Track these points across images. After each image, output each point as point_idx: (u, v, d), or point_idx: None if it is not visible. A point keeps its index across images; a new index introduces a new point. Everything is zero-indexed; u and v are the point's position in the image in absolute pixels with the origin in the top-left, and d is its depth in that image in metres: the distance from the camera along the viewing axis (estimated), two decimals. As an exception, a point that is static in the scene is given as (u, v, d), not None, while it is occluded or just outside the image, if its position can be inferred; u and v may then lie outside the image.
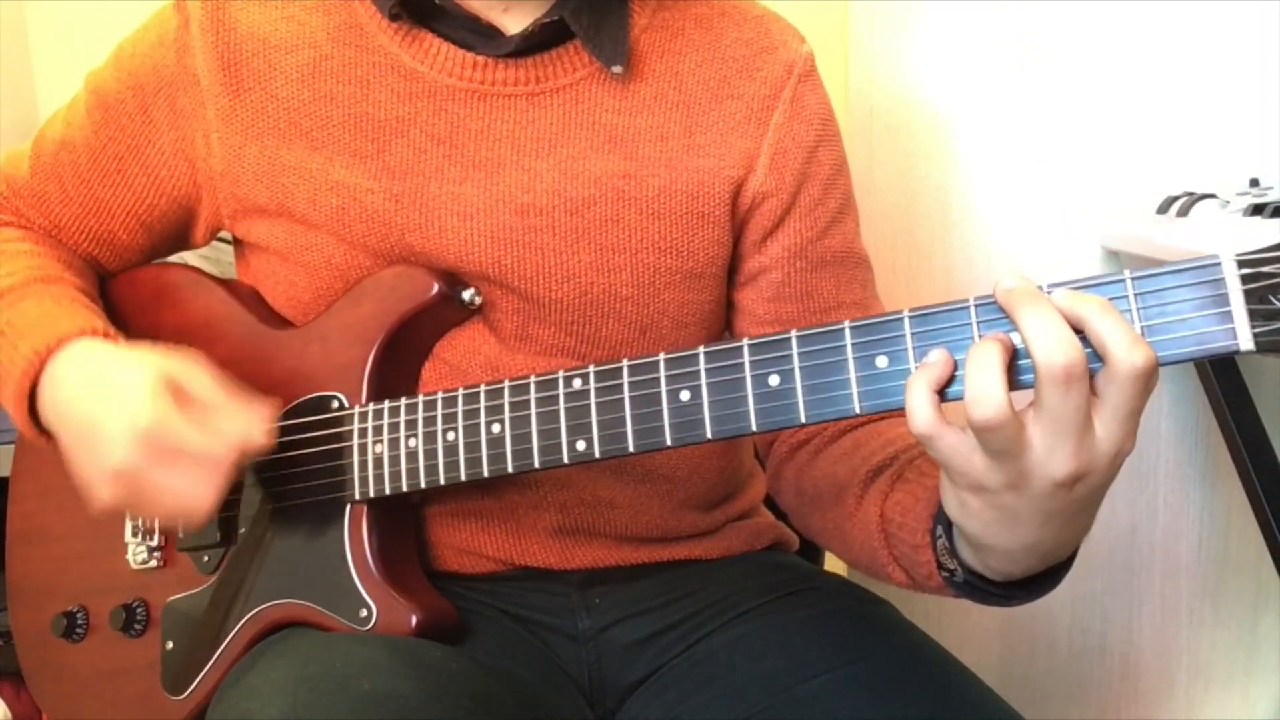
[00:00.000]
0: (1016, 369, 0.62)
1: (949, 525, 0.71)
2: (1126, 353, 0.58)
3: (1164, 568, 1.55)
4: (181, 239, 0.98)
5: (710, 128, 0.89)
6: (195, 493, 0.77)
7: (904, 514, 0.78)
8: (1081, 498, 0.63)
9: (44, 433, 0.84)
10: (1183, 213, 1.32)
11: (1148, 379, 0.59)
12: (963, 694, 0.80)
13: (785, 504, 0.98)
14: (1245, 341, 0.58)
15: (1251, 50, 1.40)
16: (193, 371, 0.80)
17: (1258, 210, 1.21)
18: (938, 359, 0.63)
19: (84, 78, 0.96)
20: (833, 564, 1.21)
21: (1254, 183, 1.32)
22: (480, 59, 0.86)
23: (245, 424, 0.79)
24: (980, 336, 0.63)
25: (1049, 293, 0.61)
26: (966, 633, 1.57)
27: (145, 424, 0.75)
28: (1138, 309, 0.60)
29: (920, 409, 0.62)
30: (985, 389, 0.60)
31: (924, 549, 0.75)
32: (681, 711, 0.85)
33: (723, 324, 0.97)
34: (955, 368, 0.63)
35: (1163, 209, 1.38)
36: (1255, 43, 1.40)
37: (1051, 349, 0.59)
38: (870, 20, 1.51)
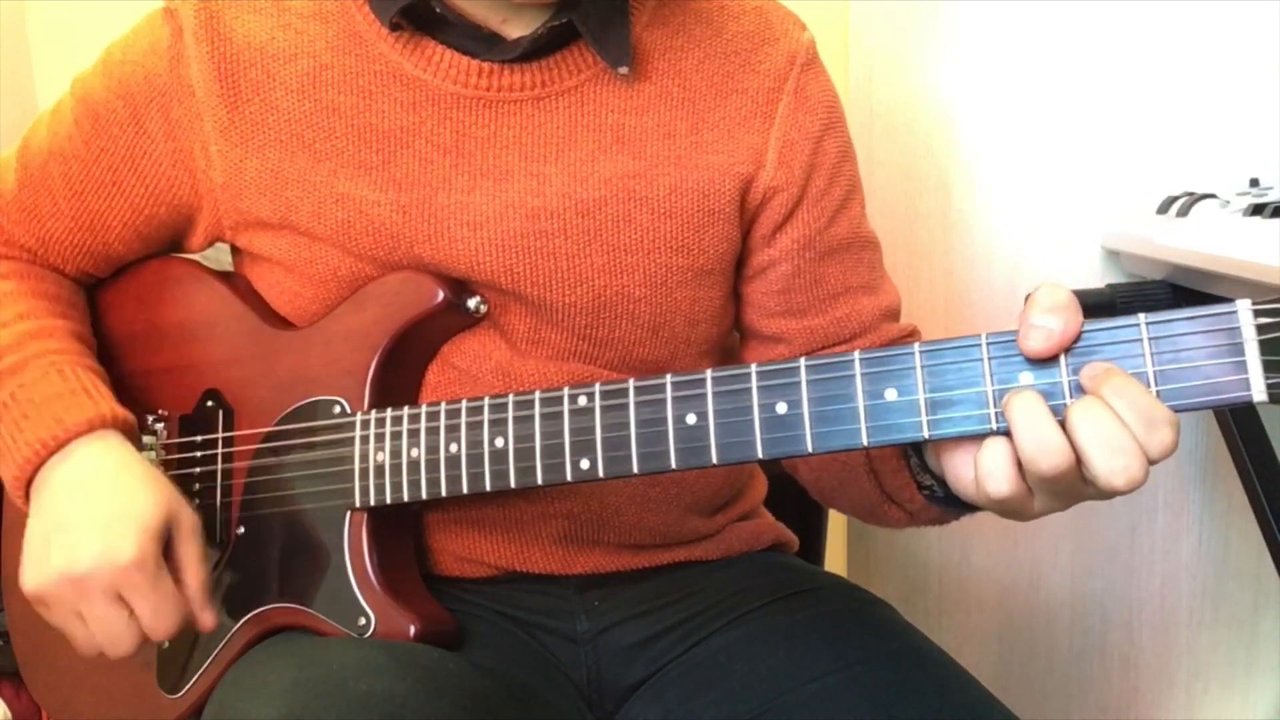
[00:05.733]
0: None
1: (918, 447, 0.74)
2: (1105, 479, 0.61)
3: (1164, 568, 1.55)
4: (175, 247, 0.96)
5: (717, 124, 0.89)
6: (119, 639, 0.79)
7: (880, 448, 0.80)
8: None
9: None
10: (1183, 213, 1.32)
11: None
12: (961, 696, 0.80)
13: (802, 479, 0.98)
14: (1259, 393, 0.58)
15: (1251, 50, 1.40)
16: (191, 530, 0.82)
17: (1258, 210, 1.21)
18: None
19: (70, 82, 0.93)
20: (833, 564, 1.21)
21: (1254, 183, 1.32)
22: (485, 65, 0.86)
23: (193, 609, 0.81)
24: (991, 373, 0.64)
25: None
26: (966, 634, 1.57)
27: (124, 561, 0.77)
28: (1151, 354, 0.60)
29: (1004, 480, 0.64)
30: (1047, 443, 0.61)
31: (900, 472, 0.78)
32: (681, 713, 0.85)
33: (732, 319, 0.96)
34: (930, 402, 0.65)
35: (1163, 209, 1.38)
36: (1255, 43, 1.40)
37: (1037, 455, 0.61)
38: (870, 20, 1.50)
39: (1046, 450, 0.61)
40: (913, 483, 0.78)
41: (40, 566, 0.79)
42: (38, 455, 0.82)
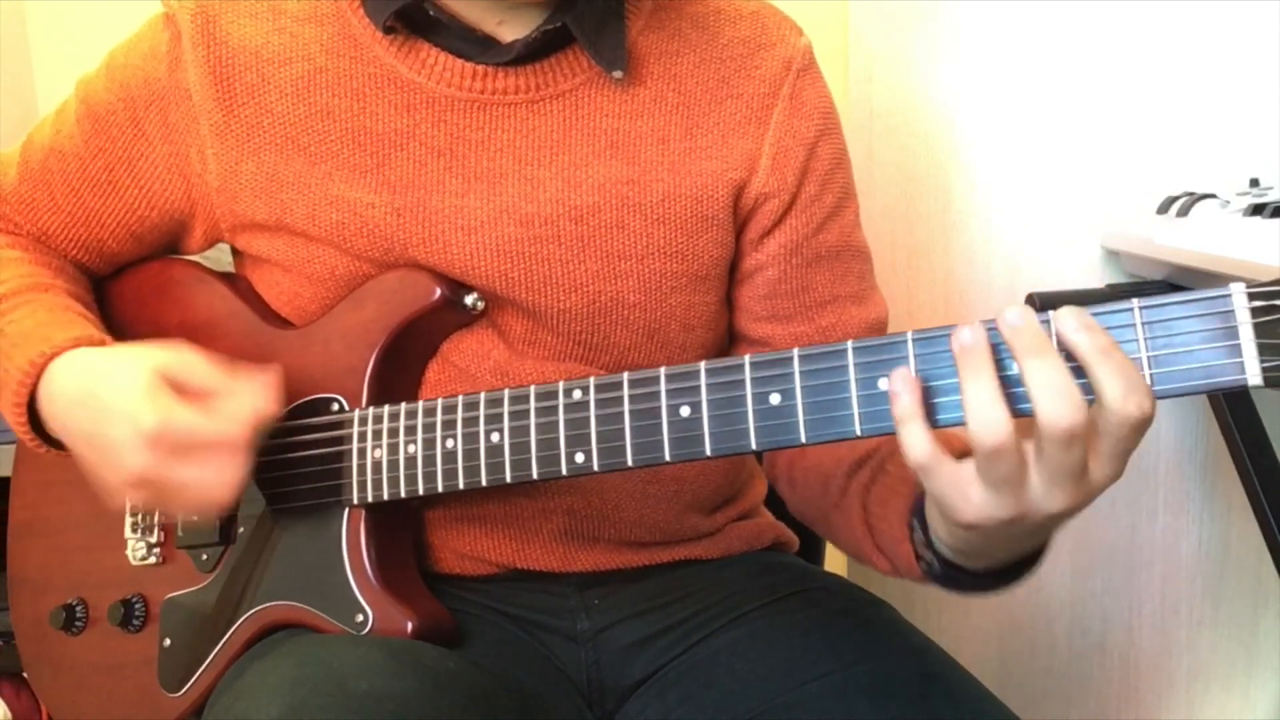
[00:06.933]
0: (1012, 397, 0.61)
1: (924, 519, 0.72)
2: (1120, 403, 0.58)
3: (1164, 568, 1.55)
4: (173, 249, 0.97)
5: (711, 129, 0.89)
6: (217, 480, 0.77)
7: (883, 507, 0.80)
8: (1067, 519, 0.65)
9: (51, 441, 0.85)
10: (1183, 213, 1.32)
11: (1141, 426, 0.59)
12: (962, 696, 0.80)
13: (780, 491, 0.99)
14: (1254, 376, 0.58)
15: (1251, 50, 1.40)
16: (186, 360, 0.79)
17: (1258, 210, 1.21)
18: (903, 385, 0.62)
19: (75, 84, 0.94)
20: (833, 564, 1.20)
21: (1254, 183, 1.32)
22: (479, 68, 0.86)
23: (251, 399, 0.78)
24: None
25: (1046, 320, 0.60)
26: (965, 633, 1.57)
27: (150, 426, 0.75)
28: (1145, 339, 0.60)
29: (918, 442, 0.62)
30: (988, 414, 0.60)
31: (902, 542, 0.77)
32: (681, 713, 0.85)
33: (727, 323, 0.96)
34: (926, 391, 0.63)
35: (1163, 209, 1.38)
36: (1255, 43, 1.40)
37: (1057, 409, 0.59)
38: (870, 20, 1.50)
39: (988, 418, 0.60)
40: (912, 555, 0.77)
41: (112, 490, 0.79)
42: (29, 376, 0.81)
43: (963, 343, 0.61)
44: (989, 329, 0.62)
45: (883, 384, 0.65)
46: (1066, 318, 0.60)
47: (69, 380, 0.81)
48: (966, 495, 0.63)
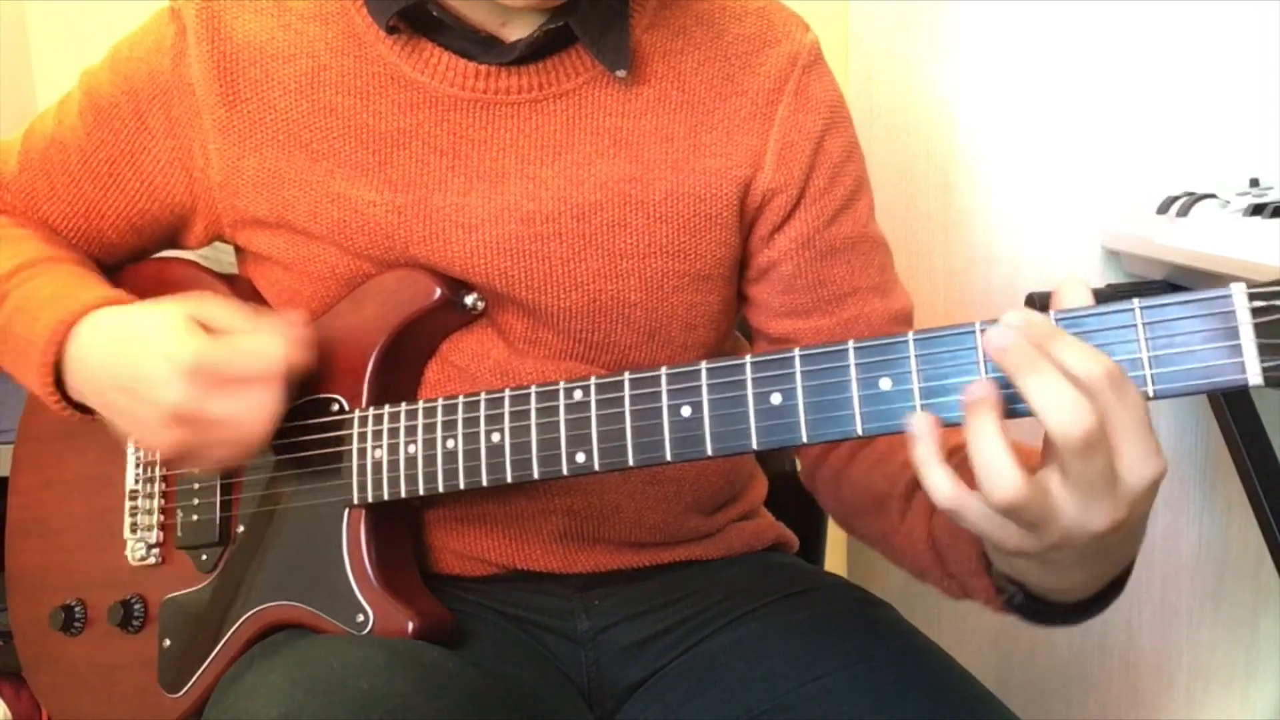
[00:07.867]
0: (1005, 397, 0.60)
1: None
2: (1061, 438, 0.57)
3: (1164, 568, 1.55)
4: (172, 243, 0.97)
5: (715, 127, 0.89)
6: (254, 412, 0.77)
7: (953, 538, 0.77)
8: (1130, 527, 0.62)
9: (71, 404, 0.85)
10: (1183, 213, 1.32)
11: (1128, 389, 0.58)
12: (962, 696, 0.80)
13: (826, 507, 0.97)
14: (1254, 376, 0.57)
15: (1251, 50, 1.41)
16: (213, 306, 0.81)
17: (1258, 210, 1.21)
18: (922, 429, 0.61)
19: (79, 75, 0.94)
20: (833, 564, 1.21)
21: (1254, 183, 1.32)
22: (482, 68, 0.86)
23: (279, 338, 0.79)
24: (986, 361, 0.62)
25: (1050, 316, 0.60)
26: (965, 633, 1.57)
27: (188, 359, 0.76)
28: (1145, 339, 0.59)
29: (941, 485, 0.60)
30: (997, 470, 0.58)
31: (979, 575, 0.75)
32: (681, 713, 0.85)
33: (732, 322, 0.96)
34: (927, 391, 0.62)
35: (1163, 209, 1.38)
36: (1255, 43, 1.40)
37: (1066, 421, 0.57)
38: (870, 20, 1.50)
39: (1000, 479, 0.58)
40: (992, 588, 0.75)
41: (150, 432, 0.79)
42: (57, 334, 0.82)
43: (971, 395, 0.60)
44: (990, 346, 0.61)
45: (884, 384, 0.65)
46: (1011, 317, 0.59)
47: (101, 332, 0.82)
48: (1004, 527, 0.61)
